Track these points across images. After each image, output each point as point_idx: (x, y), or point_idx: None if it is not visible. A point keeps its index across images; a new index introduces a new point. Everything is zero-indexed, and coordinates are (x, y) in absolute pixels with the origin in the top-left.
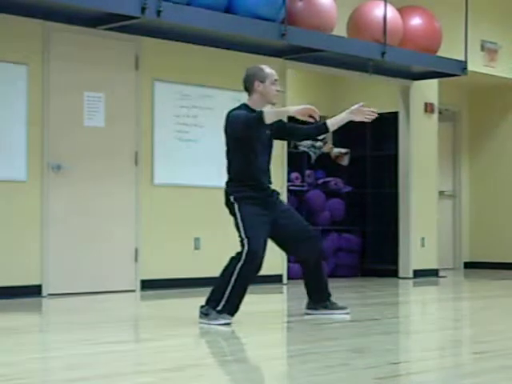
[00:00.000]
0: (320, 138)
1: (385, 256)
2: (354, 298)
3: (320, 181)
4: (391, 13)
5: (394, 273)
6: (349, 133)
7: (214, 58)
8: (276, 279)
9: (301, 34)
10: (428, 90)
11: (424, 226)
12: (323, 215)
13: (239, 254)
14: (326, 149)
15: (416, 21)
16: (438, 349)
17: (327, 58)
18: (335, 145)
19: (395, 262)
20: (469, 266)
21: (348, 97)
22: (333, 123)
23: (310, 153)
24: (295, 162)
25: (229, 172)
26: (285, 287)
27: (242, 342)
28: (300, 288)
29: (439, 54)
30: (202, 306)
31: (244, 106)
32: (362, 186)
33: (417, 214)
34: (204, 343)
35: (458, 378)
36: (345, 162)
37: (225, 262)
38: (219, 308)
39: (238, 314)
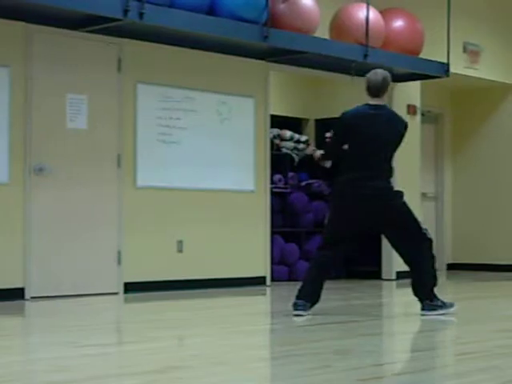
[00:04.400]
0: (303, 140)
1: (368, 258)
2: (338, 299)
3: (303, 183)
4: (373, 15)
5: (377, 274)
6: None
7: (196, 60)
8: (259, 281)
9: (283, 35)
10: (410, 91)
11: None
12: (307, 217)
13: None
14: (308, 151)
15: (398, 23)
16: (421, 350)
17: (310, 60)
18: (317, 147)
19: (378, 263)
20: (451, 267)
21: (331, 99)
22: None
23: (293, 155)
24: (278, 164)
25: (388, 171)
26: (268, 289)
27: (225, 343)
28: (284, 290)
29: (422, 55)
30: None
31: (390, 110)
32: None
33: None
34: (187, 345)
35: (442, 379)
36: (327, 164)
37: (208, 264)
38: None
39: (221, 316)
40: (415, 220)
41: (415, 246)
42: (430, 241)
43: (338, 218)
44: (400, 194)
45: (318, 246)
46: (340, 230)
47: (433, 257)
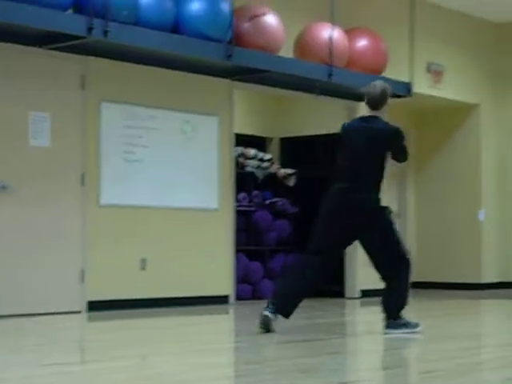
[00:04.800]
0: (267, 158)
1: (331, 276)
2: (301, 318)
3: (267, 201)
4: (338, 34)
5: (340, 293)
6: (295, 154)
7: (160, 78)
8: (223, 300)
9: (247, 54)
10: None
11: None
12: (270, 235)
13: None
14: (272, 169)
15: (362, 42)
16: (386, 368)
17: (274, 79)
18: (282, 165)
19: (342, 282)
20: (415, 285)
21: (295, 118)
22: None
23: (257, 173)
24: (242, 182)
25: (374, 184)
26: (232, 307)
27: (189, 362)
28: (248, 308)
29: (385, 75)
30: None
31: (383, 122)
32: (308, 207)
33: None
34: (151, 364)
35: None
36: (291, 182)
37: (171, 282)
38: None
39: (185, 335)
40: (397, 240)
41: (393, 266)
42: (409, 264)
43: (323, 227)
44: (385, 209)
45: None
46: (325, 237)
47: (408, 279)
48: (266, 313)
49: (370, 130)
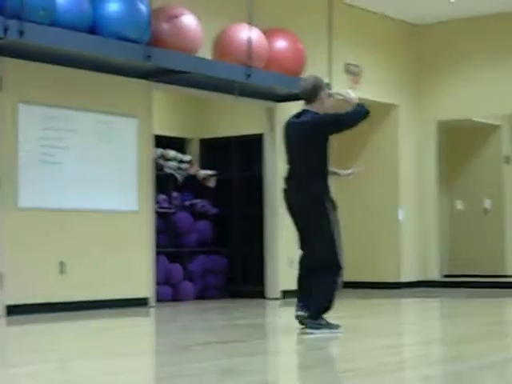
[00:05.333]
0: (186, 159)
1: (252, 277)
2: (221, 319)
3: (187, 203)
4: (256, 35)
5: (261, 294)
6: (215, 155)
7: (79, 79)
8: (143, 302)
9: (166, 55)
10: (293, 111)
11: (291, 246)
12: (191, 237)
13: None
14: (192, 171)
15: (281, 43)
16: (306, 368)
17: (193, 80)
18: (202, 167)
19: (262, 282)
20: None
21: (214, 119)
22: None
23: (177, 175)
24: (162, 184)
25: (309, 179)
26: (152, 310)
27: (107, 365)
28: (168, 310)
29: (303, 76)
30: None
31: (311, 113)
32: (228, 208)
33: (283, 235)
34: (69, 368)
35: None
36: (211, 183)
37: (91, 285)
38: None
39: (104, 338)
40: (330, 241)
41: (322, 266)
42: (340, 268)
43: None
44: (325, 207)
45: None
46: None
47: (335, 283)
48: (298, 313)
49: (298, 124)
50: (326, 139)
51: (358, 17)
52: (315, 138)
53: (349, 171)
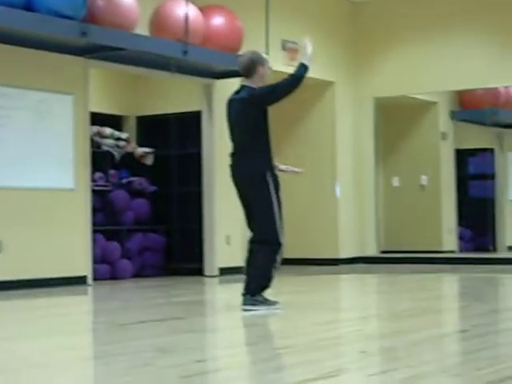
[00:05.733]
0: (123, 137)
1: (190, 255)
2: (159, 297)
3: (124, 180)
4: (193, 12)
5: (199, 271)
6: (152, 132)
7: (13, 56)
8: (81, 280)
9: (102, 32)
10: (230, 88)
11: (229, 224)
12: (127, 215)
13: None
14: (129, 148)
15: (217, 20)
16: (243, 345)
17: (129, 57)
18: (139, 144)
19: (201, 260)
20: None
21: (151, 95)
22: (306, 60)
23: (114, 152)
24: (99, 161)
25: (250, 154)
26: (90, 288)
27: (44, 344)
28: (105, 289)
29: (241, 53)
30: None
31: (248, 88)
32: (166, 186)
33: (221, 213)
34: (5, 348)
35: (263, 373)
36: (149, 161)
37: (28, 263)
38: None
39: (41, 317)
40: (270, 216)
41: (261, 241)
42: (279, 245)
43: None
44: (266, 181)
45: None
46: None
47: (274, 261)
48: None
49: (237, 100)
50: (264, 112)
51: None
52: (254, 111)
53: (284, 167)
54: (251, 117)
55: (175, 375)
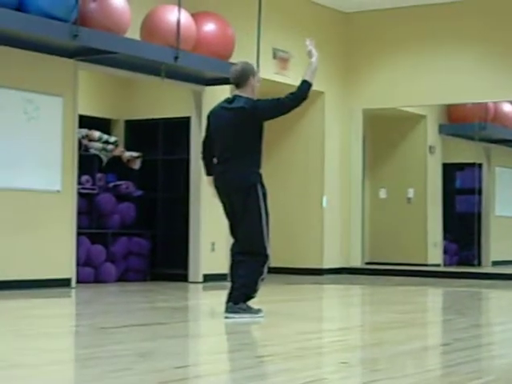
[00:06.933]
0: (111, 141)
1: (175, 260)
2: (142, 301)
3: (111, 184)
4: (185, 18)
5: (184, 277)
6: (141, 136)
7: (3, 56)
8: (64, 283)
9: (93, 35)
10: (220, 95)
11: (214, 231)
12: (113, 219)
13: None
14: (117, 152)
15: (209, 26)
16: (224, 352)
17: (120, 61)
18: (127, 148)
19: (185, 266)
20: None
21: (141, 100)
22: (309, 75)
23: (101, 156)
24: (86, 164)
25: (242, 164)
26: (73, 291)
27: (26, 346)
28: (89, 292)
29: (232, 60)
30: None
31: (245, 99)
32: (153, 190)
33: (207, 219)
34: None
35: (243, 380)
36: (136, 165)
37: (12, 265)
38: None
39: (24, 318)
40: (259, 228)
41: (247, 252)
42: (266, 257)
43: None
44: (255, 191)
45: None
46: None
47: (261, 273)
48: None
49: (232, 110)
50: (261, 124)
51: (287, 3)
52: (253, 123)
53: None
54: (249, 127)
55: (154, 380)
